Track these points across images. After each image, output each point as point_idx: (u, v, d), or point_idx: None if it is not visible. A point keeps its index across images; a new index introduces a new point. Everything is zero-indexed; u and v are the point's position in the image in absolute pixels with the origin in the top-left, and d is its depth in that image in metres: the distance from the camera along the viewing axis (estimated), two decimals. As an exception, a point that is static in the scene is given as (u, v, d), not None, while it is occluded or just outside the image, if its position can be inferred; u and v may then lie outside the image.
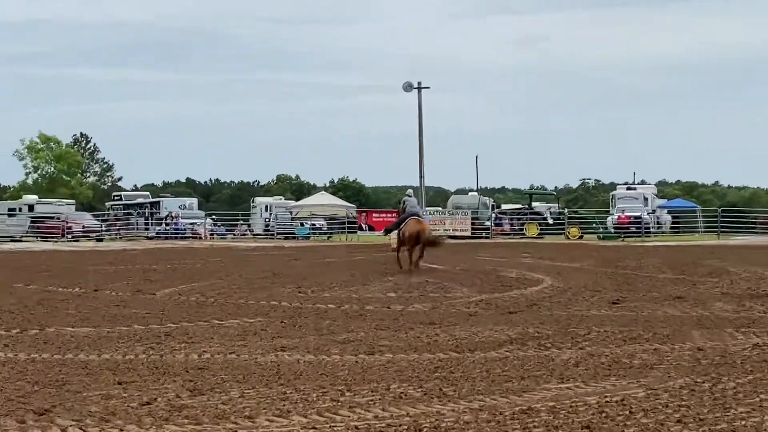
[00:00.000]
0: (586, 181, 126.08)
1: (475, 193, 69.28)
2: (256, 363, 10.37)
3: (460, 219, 54.84)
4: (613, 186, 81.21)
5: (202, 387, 8.98)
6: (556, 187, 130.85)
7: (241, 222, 65.56)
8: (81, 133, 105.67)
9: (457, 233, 53.84)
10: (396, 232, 25.29)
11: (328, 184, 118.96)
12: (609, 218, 56.20)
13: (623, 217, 54.31)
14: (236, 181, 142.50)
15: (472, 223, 54.99)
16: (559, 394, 8.50)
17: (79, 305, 16.58)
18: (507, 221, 57.24)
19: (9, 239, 56.18)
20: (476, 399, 8.30)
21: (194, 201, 71.74)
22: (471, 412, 7.75)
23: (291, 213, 63.62)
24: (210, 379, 9.39)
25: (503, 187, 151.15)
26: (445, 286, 19.96)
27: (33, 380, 9.39)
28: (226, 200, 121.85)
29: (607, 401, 8.11)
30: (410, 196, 26.70)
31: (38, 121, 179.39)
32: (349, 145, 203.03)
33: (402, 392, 8.63)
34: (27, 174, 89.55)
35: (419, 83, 61.78)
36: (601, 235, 53.49)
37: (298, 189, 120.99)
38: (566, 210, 63.10)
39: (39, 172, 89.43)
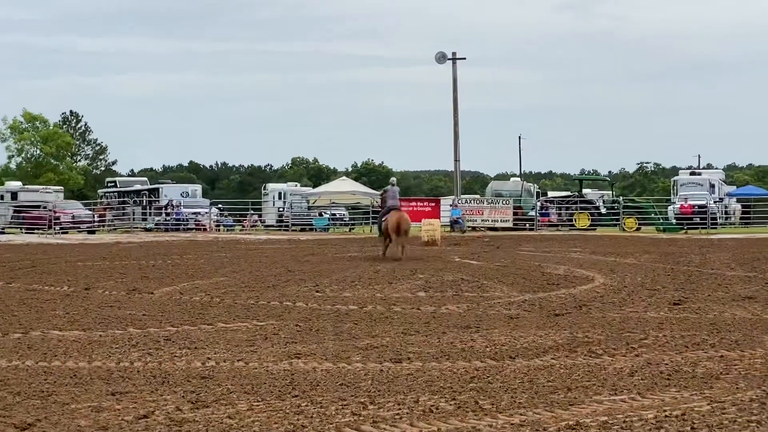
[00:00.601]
0: (645, 165, 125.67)
1: (518, 179, 69.27)
2: (267, 372, 10.41)
3: (500, 208, 54.77)
4: (675, 171, 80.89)
5: (205, 399, 9.02)
6: (609, 171, 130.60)
7: (251, 212, 65.77)
8: (71, 111, 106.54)
9: (497, 224, 53.79)
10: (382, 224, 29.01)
11: (350, 169, 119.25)
12: (670, 207, 56.00)
13: (686, 206, 54.09)
14: (246, 166, 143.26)
15: (514, 213, 54.92)
16: (611, 408, 8.48)
17: (68, 306, 16.69)
18: (554, 211, 57.10)
19: (-11, 231, 56.61)
20: (517, 413, 8.30)
21: (198, 188, 72.03)
22: (511, 428, 7.74)
23: (308, 201, 63.78)
24: (215, 390, 9.42)
25: (550, 172, 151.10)
26: (483, 284, 19.96)
27: (15, 390, 9.46)
28: (234, 187, 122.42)
29: (666, 416, 8.09)
30: (393, 185, 30.00)
31: (22, 98, 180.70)
32: (375, 125, 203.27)
33: (432, 405, 8.63)
34: (10, 157, 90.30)
35: (454, 54, 61.71)
36: (661, 227, 53.31)
37: (316, 174, 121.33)
38: (621, 198, 62.85)
39: (23, 155, 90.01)
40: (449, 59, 61.38)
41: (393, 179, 31.05)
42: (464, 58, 62.96)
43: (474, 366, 10.63)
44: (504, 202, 55.34)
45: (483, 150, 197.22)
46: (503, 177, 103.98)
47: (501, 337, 12.68)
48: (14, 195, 61.86)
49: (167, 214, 60.69)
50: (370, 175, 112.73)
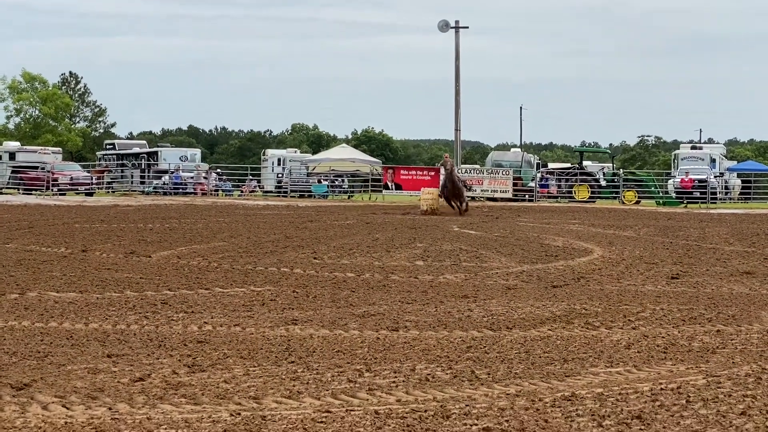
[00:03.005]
0: (645, 138, 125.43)
1: (518, 150, 69.21)
2: (264, 337, 10.44)
3: (500, 178, 54.74)
4: (675, 145, 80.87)
5: (201, 363, 9.05)
6: (610, 144, 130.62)
7: (250, 177, 65.78)
8: (70, 72, 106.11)
9: (497, 195, 53.79)
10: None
11: (350, 136, 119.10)
12: (670, 181, 55.99)
13: (686, 180, 54.07)
14: (245, 131, 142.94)
15: (514, 184, 54.89)
16: (607, 380, 8.51)
17: (65, 267, 16.71)
18: (554, 182, 57.07)
19: (-13, 191, 56.60)
20: (513, 383, 8.33)
21: (197, 152, 71.84)
22: (507, 398, 7.77)
23: (307, 168, 63.71)
24: (211, 354, 9.46)
25: (550, 143, 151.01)
26: (481, 254, 19.98)
27: (11, 351, 9.50)
28: (234, 152, 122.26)
29: (661, 389, 8.11)
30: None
31: (21, 57, 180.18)
32: (375, 93, 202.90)
33: (429, 374, 8.67)
34: (8, 117, 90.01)
35: (457, 22, 61.49)
36: (661, 200, 53.32)
37: (316, 141, 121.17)
38: (621, 171, 62.83)
39: (22, 115, 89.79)
40: (452, 28, 61.16)
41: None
42: (467, 27, 62.75)
43: (471, 336, 10.66)
44: (504, 173, 55.30)
45: (484, 120, 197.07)
46: (503, 147, 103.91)
47: (498, 307, 12.71)
48: (12, 155, 61.75)
49: (168, 179, 60.48)
50: (370, 143, 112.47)
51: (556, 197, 55.27)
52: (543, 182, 56.69)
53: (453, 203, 37.30)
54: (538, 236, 25.18)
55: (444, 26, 61.18)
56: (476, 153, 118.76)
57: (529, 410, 7.40)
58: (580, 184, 55.28)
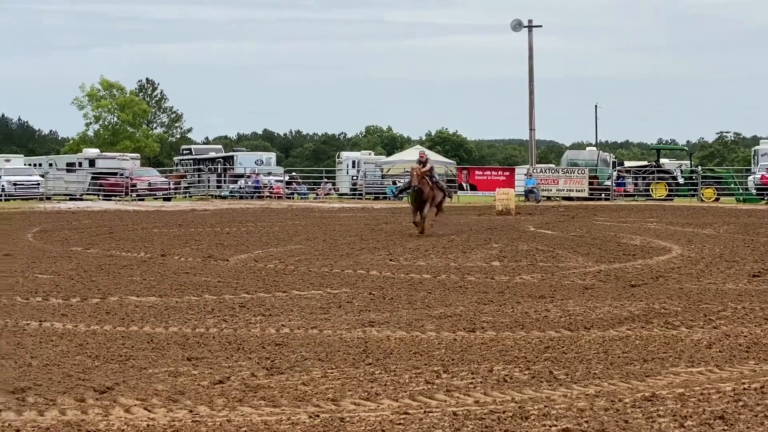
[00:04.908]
0: (724, 134, 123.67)
1: (594, 148, 68.67)
2: (341, 339, 10.48)
3: (576, 178, 54.36)
4: (755, 141, 79.57)
5: (280, 365, 9.11)
6: (688, 141, 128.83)
7: (325, 180, 66.01)
8: (147, 79, 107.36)
9: (573, 194, 53.43)
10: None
11: (424, 137, 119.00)
12: (750, 178, 55.11)
13: (767, 176, 53.23)
14: (320, 134, 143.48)
15: (590, 183, 54.46)
16: (688, 380, 8.42)
17: (145, 272, 16.93)
18: (630, 180, 56.53)
19: (68, 197, 57.46)
20: (592, 384, 8.27)
21: (272, 156, 72.24)
22: (586, 399, 7.72)
23: (381, 170, 63.76)
24: (289, 357, 9.52)
25: (627, 141, 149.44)
26: (558, 254, 19.87)
27: (94, 354, 9.64)
28: (309, 155, 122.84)
29: (744, 388, 8.01)
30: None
31: (99, 65, 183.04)
32: (449, 93, 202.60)
33: (506, 375, 8.64)
34: (87, 125, 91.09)
35: (530, 21, 61.14)
36: (741, 197, 52.54)
37: (390, 143, 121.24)
38: (700, 168, 62.04)
39: (101, 122, 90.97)
40: (525, 27, 60.82)
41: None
42: (540, 26, 62.37)
43: (548, 336, 10.61)
44: (579, 172, 54.89)
45: (558, 119, 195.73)
46: (579, 146, 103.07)
47: (576, 307, 12.63)
48: (92, 162, 62.56)
49: (245, 182, 60.87)
50: (444, 144, 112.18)
51: (633, 196, 54.71)
52: (619, 181, 56.15)
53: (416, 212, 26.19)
54: (615, 235, 24.97)
55: (517, 25, 60.84)
56: (551, 152, 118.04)
57: (609, 411, 7.34)
58: (657, 182, 54.67)
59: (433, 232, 25.39)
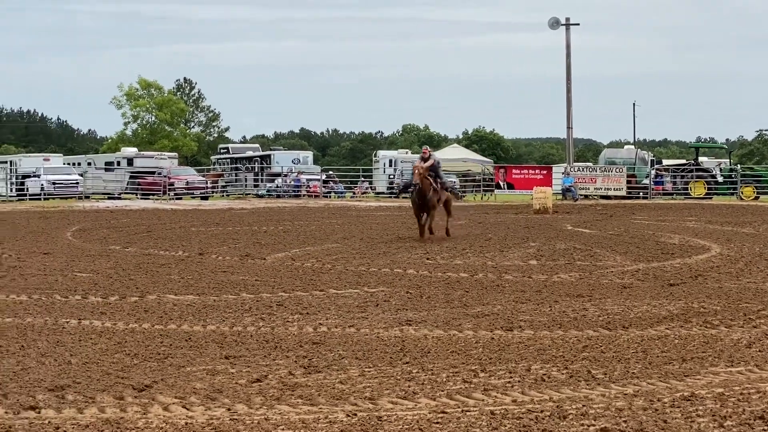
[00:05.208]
0: (764, 132, 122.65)
1: (632, 147, 68.21)
2: (378, 338, 10.48)
3: (613, 176, 54.10)
4: (796, 138, 78.82)
5: (317, 364, 9.13)
6: (727, 139, 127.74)
7: (362, 179, 66.04)
8: (184, 78, 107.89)
9: (611, 192, 53.19)
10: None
11: (461, 136, 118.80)
12: (791, 176, 54.64)
13: (808, 174, 52.75)
14: (356, 132, 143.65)
15: (628, 181, 54.17)
16: (728, 380, 8.36)
17: (182, 270, 17.01)
18: (669, 179, 56.18)
19: (106, 196, 57.82)
20: (630, 383, 8.23)
21: (309, 155, 72.34)
22: (624, 398, 7.69)
23: (418, 169, 63.69)
24: (326, 355, 9.53)
25: (665, 140, 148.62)
26: (596, 253, 19.79)
27: (132, 353, 9.70)
28: (345, 154, 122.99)
29: (785, 389, 7.94)
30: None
31: (138, 64, 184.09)
32: (486, 92, 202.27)
33: (544, 374, 8.61)
34: (126, 124, 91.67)
35: (567, 19, 60.91)
36: (781, 196, 52.07)
37: (427, 141, 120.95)
38: (739, 166, 61.56)
39: (139, 121, 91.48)
40: (562, 25, 60.61)
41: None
42: (578, 24, 62.12)
43: (586, 335, 10.57)
44: (617, 170, 54.61)
45: (596, 117, 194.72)
46: (617, 144, 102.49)
47: (614, 306, 12.58)
48: (130, 161, 62.86)
49: (283, 181, 60.98)
50: (481, 142, 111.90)
51: (672, 194, 54.37)
52: (657, 179, 55.80)
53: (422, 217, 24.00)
54: (653, 234, 24.84)
55: (554, 24, 60.62)
56: (589, 150, 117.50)
57: (648, 410, 7.30)
58: (696, 181, 54.31)
59: (456, 234, 24.01)
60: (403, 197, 27.05)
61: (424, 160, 24.27)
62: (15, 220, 33.53)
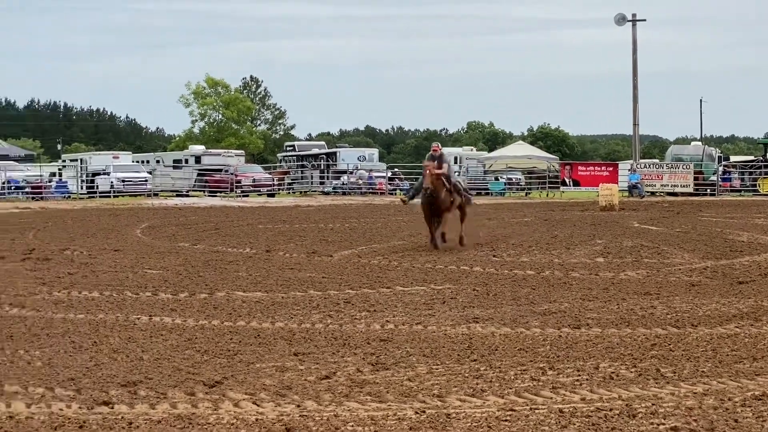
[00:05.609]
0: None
1: (699, 143, 67.47)
2: (446, 335, 10.48)
3: (680, 173, 53.62)
4: None
5: (385, 361, 9.15)
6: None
7: (427, 176, 65.90)
8: (251, 76, 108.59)
9: (677, 189, 52.71)
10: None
11: (525, 133, 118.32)
12: None
13: None
14: (421, 130, 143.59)
15: (695, 178, 53.67)
16: (799, 379, 8.25)
17: (250, 267, 17.13)
18: (736, 175, 55.53)
19: (174, 194, 58.38)
20: (700, 382, 8.15)
21: (374, 152, 72.52)
22: (694, 397, 7.62)
23: (483, 166, 63.57)
24: (394, 353, 9.55)
25: (732, 136, 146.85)
26: (663, 250, 19.61)
27: (202, 349, 9.79)
28: (410, 151, 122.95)
29: None
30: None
31: (205, 63, 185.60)
32: (551, 88, 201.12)
33: (613, 372, 8.56)
34: (193, 122, 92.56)
35: (634, 15, 60.44)
36: None
37: (492, 138, 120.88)
38: (809, 162, 60.62)
39: (206, 119, 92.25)
40: (629, 21, 60.15)
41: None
42: (644, 20, 61.62)
43: (654, 333, 10.48)
44: (684, 167, 54.12)
45: (662, 113, 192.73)
46: (683, 141, 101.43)
47: (682, 304, 12.46)
48: (198, 159, 63.43)
49: (350, 178, 61.15)
50: (546, 139, 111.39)
51: (740, 191, 53.77)
52: (725, 176, 55.21)
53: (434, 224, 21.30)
54: (721, 231, 24.56)
55: (621, 20, 60.18)
56: (655, 147, 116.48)
57: (718, 410, 7.23)
58: (764, 177, 53.63)
59: (469, 244, 21.02)
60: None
61: (434, 159, 21.24)
62: (86, 218, 34.00)
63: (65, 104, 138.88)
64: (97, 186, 57.01)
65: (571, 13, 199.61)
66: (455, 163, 64.07)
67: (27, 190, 54.70)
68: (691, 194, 51.77)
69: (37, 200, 51.82)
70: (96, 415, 7.28)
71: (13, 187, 55.04)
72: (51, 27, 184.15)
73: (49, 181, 57.12)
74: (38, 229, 28.11)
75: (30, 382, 8.30)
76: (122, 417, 7.22)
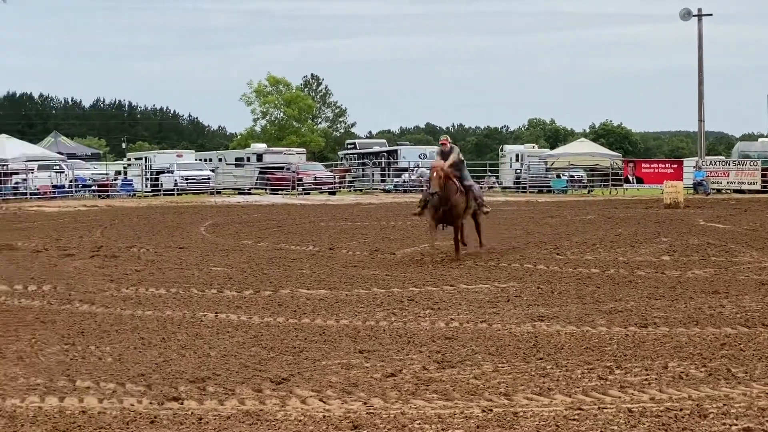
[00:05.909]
0: None
1: (766, 140, 66.55)
2: (511, 333, 10.46)
3: (747, 170, 52.98)
4: None
5: (451, 359, 9.15)
6: None
7: (489, 173, 65.84)
8: (312, 75, 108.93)
9: (744, 186, 52.09)
10: None
11: (587, 130, 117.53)
12: None
13: None
14: (482, 127, 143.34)
15: (763, 175, 52.99)
16: None
17: (314, 265, 17.19)
18: (805, 172, 54.72)
19: (237, 191, 58.74)
20: (772, 382, 8.06)
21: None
22: (767, 398, 7.52)
23: (545, 163, 63.27)
24: (459, 351, 9.54)
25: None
26: (731, 248, 19.38)
27: (269, 346, 9.86)
28: (471, 149, 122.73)
29: None
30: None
31: (266, 61, 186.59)
32: (614, 84, 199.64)
33: (682, 371, 8.48)
34: (255, 120, 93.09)
35: (699, 10, 59.79)
36: None
37: (554, 135, 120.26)
38: None
39: (268, 117, 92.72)
40: (695, 16, 59.52)
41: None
42: (710, 15, 61.01)
43: (724, 332, 10.37)
44: (751, 164, 53.47)
45: (728, 110, 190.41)
46: (750, 137, 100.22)
47: (752, 303, 12.31)
48: (260, 157, 63.73)
49: (412, 177, 61.16)
50: (608, 136, 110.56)
51: (808, 188, 53.01)
52: (793, 173, 54.44)
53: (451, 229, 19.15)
54: (790, 229, 24.22)
55: (686, 14, 59.56)
56: (720, 144, 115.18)
57: (791, 410, 7.14)
58: (833, 174, 52.82)
59: (482, 252, 19.04)
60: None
61: (444, 154, 18.83)
62: (151, 216, 34.33)
63: (129, 103, 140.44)
64: (162, 184, 57.53)
65: (635, 9, 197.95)
66: (516, 160, 63.94)
67: (93, 188, 55.30)
68: (758, 191, 51.14)
69: (104, 198, 52.40)
70: (166, 411, 7.36)
71: (80, 186, 55.67)
72: (115, 27, 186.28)
73: (115, 180, 57.71)
74: (105, 226, 28.44)
75: (101, 378, 8.42)
76: (192, 413, 7.29)
